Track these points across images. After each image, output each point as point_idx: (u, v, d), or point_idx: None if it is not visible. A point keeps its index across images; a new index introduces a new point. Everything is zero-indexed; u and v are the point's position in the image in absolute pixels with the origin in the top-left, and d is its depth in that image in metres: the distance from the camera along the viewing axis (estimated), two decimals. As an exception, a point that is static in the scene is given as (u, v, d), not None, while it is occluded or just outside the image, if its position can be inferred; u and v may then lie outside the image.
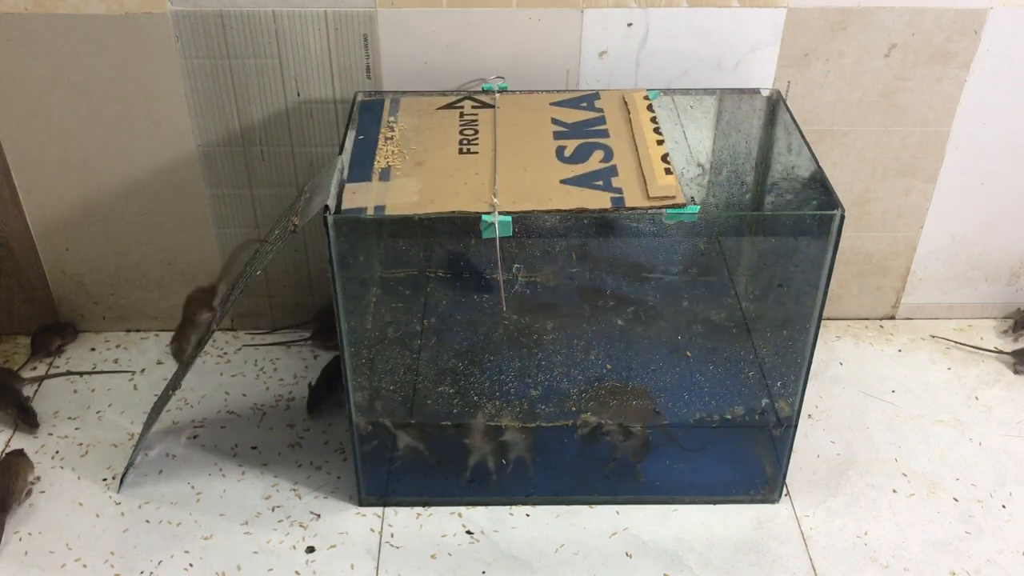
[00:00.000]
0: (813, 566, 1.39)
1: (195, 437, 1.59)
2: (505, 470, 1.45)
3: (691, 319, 1.62)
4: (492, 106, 1.45)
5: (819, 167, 1.32)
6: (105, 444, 1.58)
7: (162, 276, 1.76)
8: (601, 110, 1.44)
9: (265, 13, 1.49)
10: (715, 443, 1.49)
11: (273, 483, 1.51)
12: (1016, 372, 1.73)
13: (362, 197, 1.24)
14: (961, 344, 1.79)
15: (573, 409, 1.46)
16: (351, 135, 1.38)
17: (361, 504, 1.47)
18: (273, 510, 1.46)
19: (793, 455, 1.47)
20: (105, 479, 1.51)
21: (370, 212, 1.22)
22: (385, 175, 1.29)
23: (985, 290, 1.84)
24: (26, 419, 1.58)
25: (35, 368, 1.73)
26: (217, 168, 1.63)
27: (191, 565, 1.38)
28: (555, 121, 1.41)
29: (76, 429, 1.60)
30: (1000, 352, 1.78)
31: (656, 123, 1.40)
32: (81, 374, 1.72)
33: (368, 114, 1.44)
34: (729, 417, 1.46)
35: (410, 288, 1.68)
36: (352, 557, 1.40)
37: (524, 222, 1.21)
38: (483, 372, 1.51)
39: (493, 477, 1.46)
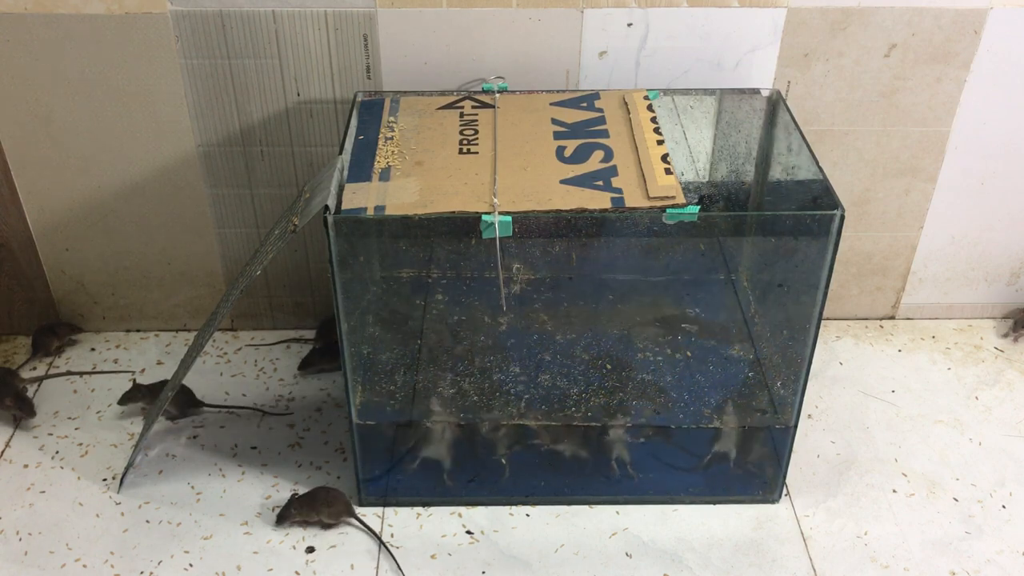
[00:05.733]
0: (813, 566, 1.39)
1: (195, 437, 1.59)
2: (505, 469, 1.45)
3: (691, 319, 1.62)
4: (492, 106, 1.45)
5: (819, 167, 1.32)
6: (105, 444, 1.57)
7: (162, 276, 1.76)
8: (601, 110, 1.44)
9: (265, 13, 1.49)
10: (715, 443, 1.49)
11: (273, 483, 1.51)
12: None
13: (362, 197, 1.24)
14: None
15: (573, 409, 1.46)
16: (351, 135, 1.38)
17: (361, 504, 1.47)
18: (273, 510, 1.46)
19: (793, 455, 1.47)
20: (105, 479, 1.51)
21: (370, 212, 1.22)
22: (385, 175, 1.29)
23: (985, 290, 1.84)
24: (23, 408, 1.59)
25: (35, 368, 1.73)
26: (217, 168, 1.63)
27: (191, 565, 1.38)
28: (555, 121, 1.41)
29: (76, 429, 1.60)
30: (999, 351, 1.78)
31: (656, 123, 1.40)
32: (81, 374, 1.72)
33: (368, 114, 1.44)
34: (729, 417, 1.46)
35: (410, 288, 1.68)
36: (352, 557, 1.40)
37: (524, 222, 1.21)
38: (482, 372, 1.51)
39: (493, 476, 1.46)
